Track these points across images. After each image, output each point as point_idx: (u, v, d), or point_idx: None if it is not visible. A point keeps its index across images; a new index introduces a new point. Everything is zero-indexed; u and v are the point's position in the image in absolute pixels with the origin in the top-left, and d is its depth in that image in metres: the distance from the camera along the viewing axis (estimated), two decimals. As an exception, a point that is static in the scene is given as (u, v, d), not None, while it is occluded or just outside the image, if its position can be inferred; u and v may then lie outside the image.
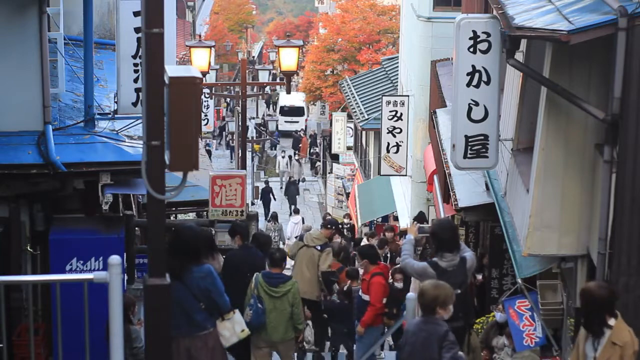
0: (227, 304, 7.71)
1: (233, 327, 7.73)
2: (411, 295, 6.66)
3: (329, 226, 12.55)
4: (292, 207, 30.23)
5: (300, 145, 44.61)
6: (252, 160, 37.85)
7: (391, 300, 11.18)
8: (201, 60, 17.18)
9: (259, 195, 34.13)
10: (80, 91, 10.33)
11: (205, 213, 15.96)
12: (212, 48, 18.21)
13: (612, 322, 6.29)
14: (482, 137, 9.01)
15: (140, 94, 9.12)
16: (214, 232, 13.52)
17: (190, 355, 7.55)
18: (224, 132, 46.80)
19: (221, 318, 7.70)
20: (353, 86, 31.25)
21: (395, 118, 20.58)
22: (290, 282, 9.73)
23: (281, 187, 37.57)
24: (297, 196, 34.89)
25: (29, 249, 9.65)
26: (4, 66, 9.23)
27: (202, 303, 7.52)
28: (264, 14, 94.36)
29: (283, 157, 37.88)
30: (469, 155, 9.07)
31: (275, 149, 45.46)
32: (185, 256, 7.47)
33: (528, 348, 9.50)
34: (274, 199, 35.00)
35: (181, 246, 7.51)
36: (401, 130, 20.56)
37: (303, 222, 27.01)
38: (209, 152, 36.95)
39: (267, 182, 36.05)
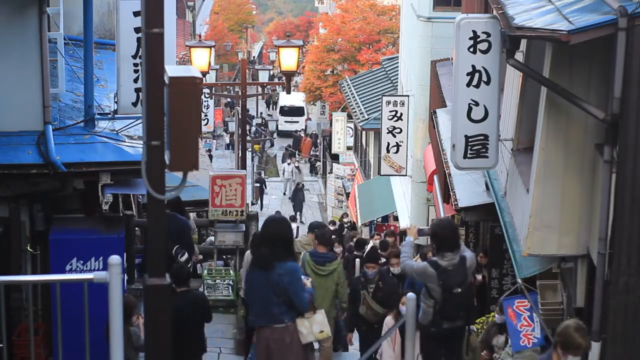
0: (305, 303, 7.77)
1: (311, 327, 7.82)
2: (411, 295, 6.64)
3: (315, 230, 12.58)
4: (290, 215, 30.09)
5: (302, 145, 44.54)
6: (252, 160, 37.74)
7: None
8: (201, 60, 17.19)
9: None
10: (80, 91, 10.33)
11: (205, 213, 15.97)
12: (212, 48, 18.21)
13: None
14: (482, 137, 9.01)
15: (140, 94, 9.12)
16: (214, 232, 13.55)
17: (269, 346, 7.68)
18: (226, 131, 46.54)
19: (301, 315, 7.80)
20: (353, 86, 31.24)
21: (395, 118, 20.58)
22: (337, 262, 10.12)
23: (284, 193, 36.85)
24: (303, 202, 34.79)
25: (29, 249, 9.65)
26: (4, 66, 9.23)
27: (280, 297, 7.63)
28: (264, 14, 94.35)
29: (289, 163, 37.35)
30: (469, 155, 9.07)
31: (268, 148, 45.47)
32: (275, 249, 7.60)
33: (525, 348, 9.49)
34: (265, 187, 35.79)
35: (274, 238, 7.63)
36: (401, 130, 20.56)
37: (298, 231, 26.77)
38: (210, 157, 36.61)
39: (259, 174, 35.99)
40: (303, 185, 36.02)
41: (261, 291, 7.60)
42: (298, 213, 33.13)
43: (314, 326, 7.82)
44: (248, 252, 11.64)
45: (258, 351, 7.95)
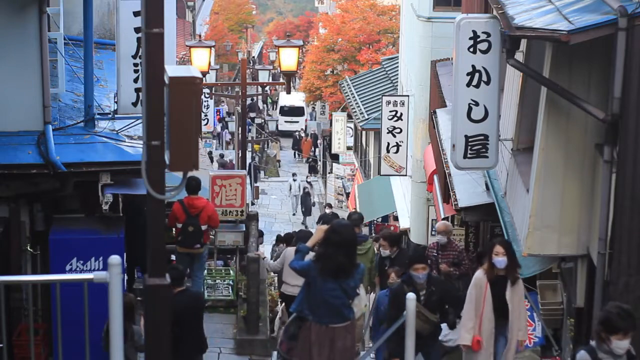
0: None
1: (360, 303, 8.20)
2: (411, 295, 6.64)
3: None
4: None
5: (302, 145, 44.50)
6: (252, 160, 37.61)
7: None
8: (201, 60, 17.19)
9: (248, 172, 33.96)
10: (80, 91, 10.33)
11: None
12: (212, 48, 18.22)
13: None
14: (482, 137, 9.01)
15: (140, 94, 9.12)
16: (214, 231, 13.53)
17: (334, 345, 7.77)
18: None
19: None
20: (353, 86, 31.23)
21: (395, 118, 20.56)
22: (370, 241, 10.83)
23: (294, 213, 35.05)
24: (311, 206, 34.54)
25: (29, 249, 9.65)
26: (4, 66, 9.23)
27: (351, 299, 7.78)
28: (264, 14, 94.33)
29: (295, 180, 35.96)
30: (469, 155, 9.07)
31: (269, 146, 45.47)
32: (351, 256, 7.67)
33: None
34: (260, 174, 36.65)
35: (349, 245, 7.68)
36: (401, 130, 20.54)
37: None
38: (223, 164, 34.99)
39: (252, 158, 35.94)
40: (313, 203, 35.60)
41: (336, 299, 7.67)
42: (307, 218, 32.88)
43: (361, 301, 8.20)
44: (289, 249, 11.62)
45: (309, 348, 7.84)
